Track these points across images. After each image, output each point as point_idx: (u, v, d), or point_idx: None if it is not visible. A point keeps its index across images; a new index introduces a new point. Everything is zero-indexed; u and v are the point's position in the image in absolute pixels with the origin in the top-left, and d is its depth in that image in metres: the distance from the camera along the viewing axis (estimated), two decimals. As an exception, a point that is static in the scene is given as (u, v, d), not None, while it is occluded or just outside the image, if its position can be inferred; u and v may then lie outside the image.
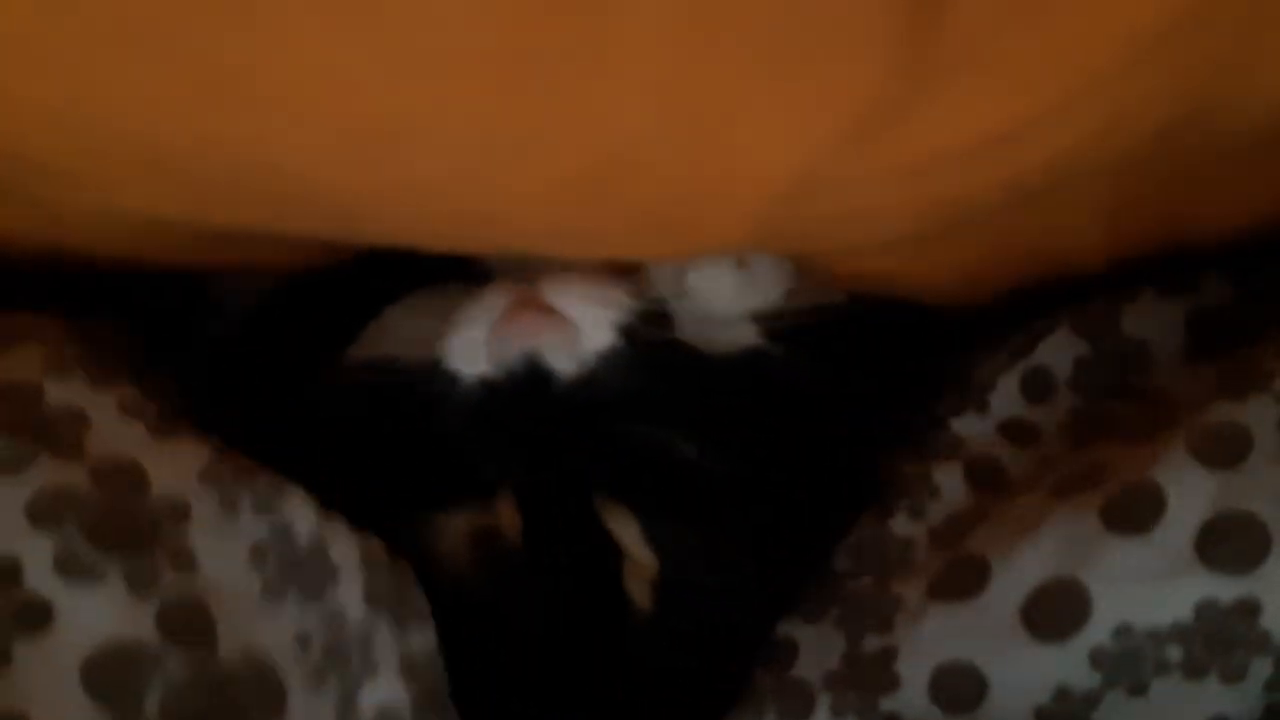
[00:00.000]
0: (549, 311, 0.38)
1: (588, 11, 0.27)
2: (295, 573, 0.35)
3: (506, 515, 0.39)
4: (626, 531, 0.38)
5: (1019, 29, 0.28)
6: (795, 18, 0.27)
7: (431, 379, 0.39)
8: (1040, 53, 0.29)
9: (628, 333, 0.38)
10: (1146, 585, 0.33)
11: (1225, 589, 0.32)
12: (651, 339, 0.38)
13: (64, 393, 0.35)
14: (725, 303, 0.41)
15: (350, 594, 0.36)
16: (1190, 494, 0.33)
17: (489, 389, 0.38)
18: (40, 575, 0.31)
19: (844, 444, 0.40)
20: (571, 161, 0.31)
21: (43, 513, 0.32)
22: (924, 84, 0.29)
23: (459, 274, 0.43)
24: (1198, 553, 0.32)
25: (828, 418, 0.40)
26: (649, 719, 0.38)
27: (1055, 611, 0.34)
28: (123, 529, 0.33)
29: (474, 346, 0.38)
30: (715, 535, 0.38)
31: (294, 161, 0.31)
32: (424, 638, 0.37)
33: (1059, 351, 0.39)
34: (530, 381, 0.38)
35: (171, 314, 0.44)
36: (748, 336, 0.41)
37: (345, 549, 0.36)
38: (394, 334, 0.41)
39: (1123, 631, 0.33)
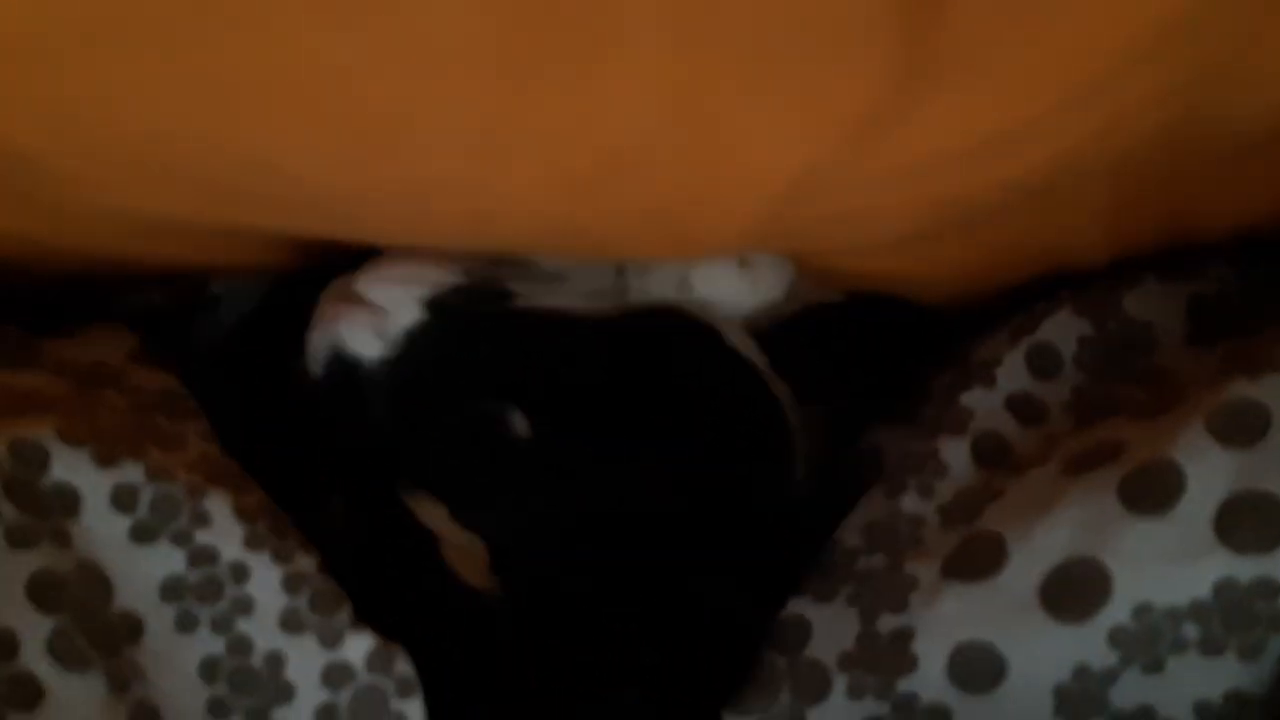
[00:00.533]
0: (352, 299, 0.38)
1: (588, 13, 0.27)
2: (246, 690, 0.36)
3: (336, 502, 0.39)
4: (432, 515, 0.38)
5: (1018, 31, 0.28)
6: (795, 19, 0.27)
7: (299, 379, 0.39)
8: (1039, 55, 0.29)
9: (436, 307, 0.38)
10: (1166, 565, 0.33)
11: (1244, 569, 0.32)
12: (464, 311, 0.38)
13: (66, 469, 0.35)
14: (727, 301, 0.41)
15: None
16: (1209, 473, 0.33)
17: (313, 385, 0.38)
18: (35, 656, 0.32)
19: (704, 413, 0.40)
20: (571, 161, 0.31)
21: (42, 595, 0.33)
22: (923, 85, 0.29)
23: None
24: (1217, 533, 0.32)
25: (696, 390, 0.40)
26: (530, 699, 0.38)
27: (1075, 591, 0.34)
28: (100, 629, 0.34)
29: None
30: (538, 508, 0.38)
31: (295, 160, 0.31)
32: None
33: (1062, 330, 0.39)
34: (340, 371, 0.38)
35: (171, 312, 0.44)
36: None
37: (305, 666, 0.36)
38: None
39: (1142, 610, 0.33)
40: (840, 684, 0.36)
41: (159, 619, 0.35)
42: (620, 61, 0.28)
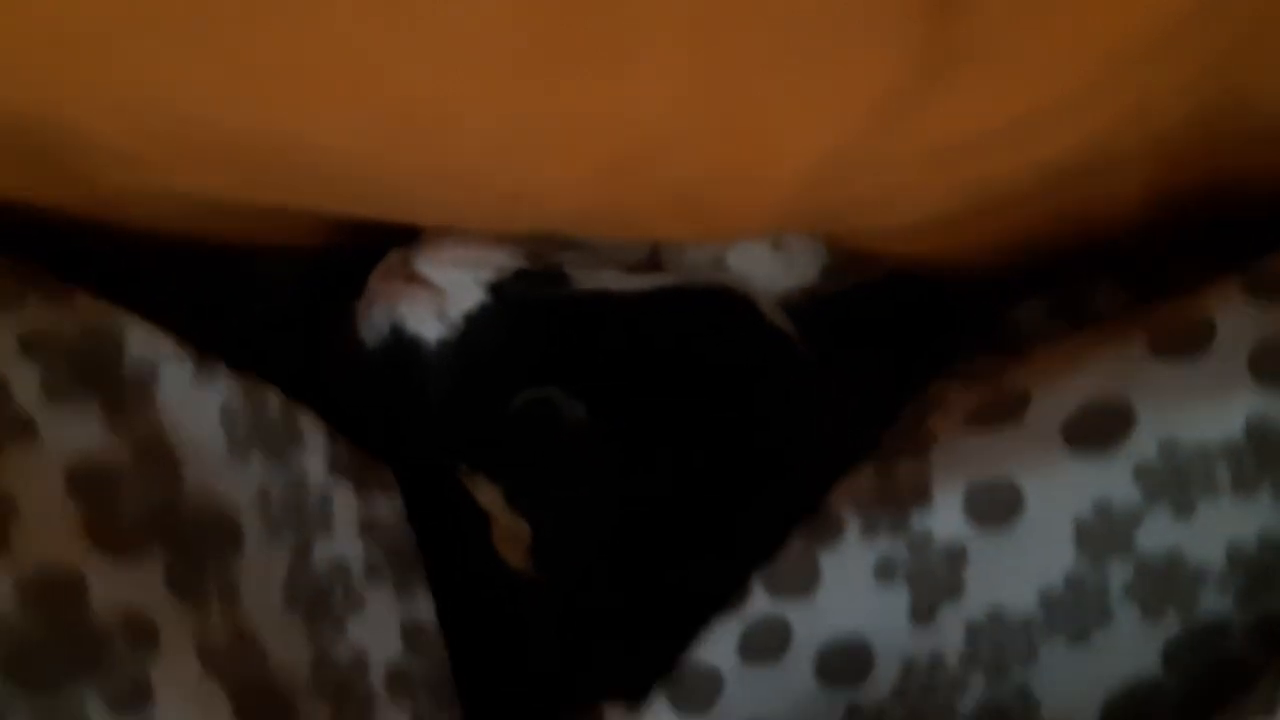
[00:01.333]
0: (413, 278, 0.38)
1: (616, 0, 0.27)
2: (261, 434, 0.36)
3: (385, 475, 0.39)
4: (490, 498, 0.38)
5: (1045, 12, 0.28)
6: (822, 1, 0.27)
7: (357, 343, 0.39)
8: (1068, 35, 0.29)
9: (497, 291, 0.38)
10: (1195, 401, 0.32)
11: (1277, 404, 0.31)
12: (524, 296, 0.38)
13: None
14: (762, 282, 0.41)
15: (314, 461, 0.37)
16: (1241, 322, 0.32)
17: (368, 360, 0.39)
18: (27, 394, 0.32)
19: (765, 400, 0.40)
20: (602, 147, 0.31)
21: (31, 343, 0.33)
22: (950, 67, 0.29)
23: None
24: (1251, 370, 0.32)
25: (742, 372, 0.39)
26: (554, 683, 0.38)
27: (1097, 425, 0.33)
28: (100, 369, 0.34)
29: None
30: (586, 495, 0.38)
31: (334, 145, 0.31)
32: (389, 505, 0.38)
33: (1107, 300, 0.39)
34: (399, 350, 0.38)
35: (215, 289, 0.45)
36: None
37: (312, 422, 0.37)
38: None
39: (1169, 447, 0.32)
40: (854, 525, 0.35)
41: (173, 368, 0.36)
42: (649, 46, 0.28)
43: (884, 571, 0.35)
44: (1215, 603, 0.32)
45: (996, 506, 0.34)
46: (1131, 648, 0.32)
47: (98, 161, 0.34)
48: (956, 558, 0.34)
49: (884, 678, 0.34)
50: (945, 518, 0.34)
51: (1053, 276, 0.41)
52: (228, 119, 0.30)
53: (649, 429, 0.38)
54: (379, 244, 0.42)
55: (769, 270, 0.41)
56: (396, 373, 0.38)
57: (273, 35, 0.28)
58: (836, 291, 0.43)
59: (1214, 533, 0.32)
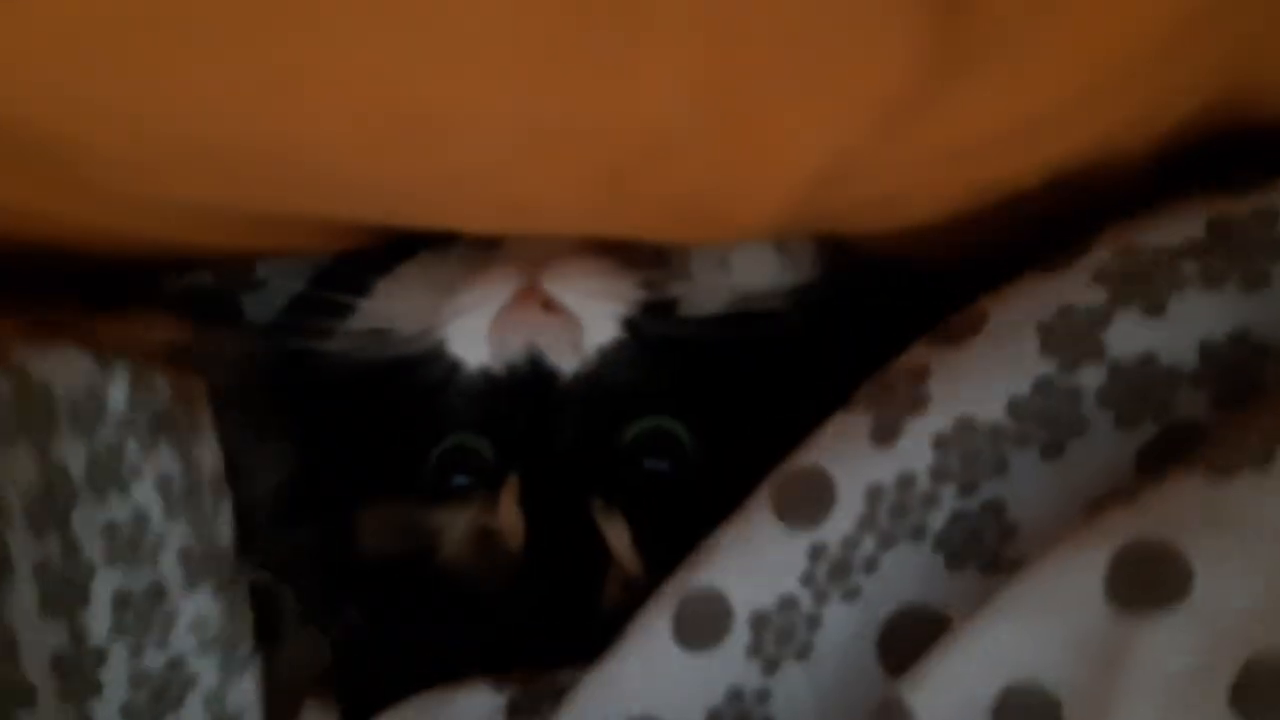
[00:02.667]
0: (550, 306, 0.37)
1: (621, 4, 0.27)
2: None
3: (507, 512, 0.38)
4: (619, 538, 0.37)
5: (1050, 14, 0.28)
6: (827, 3, 0.27)
7: (432, 361, 0.38)
8: (1073, 37, 0.29)
9: (631, 326, 0.37)
10: (1154, 216, 0.32)
11: (1239, 204, 0.31)
12: (655, 331, 0.37)
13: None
14: (766, 282, 0.41)
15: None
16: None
17: (490, 381, 0.37)
18: None
19: None
20: (606, 151, 0.31)
21: None
22: (956, 68, 0.29)
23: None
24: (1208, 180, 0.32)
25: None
26: None
27: (1055, 255, 0.33)
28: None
29: (476, 335, 0.37)
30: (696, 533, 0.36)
31: (337, 152, 0.31)
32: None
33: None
34: (532, 377, 0.37)
35: (219, 294, 0.45)
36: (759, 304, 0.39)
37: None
38: (394, 304, 0.40)
39: (1127, 248, 0.32)
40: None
41: None
42: (653, 48, 0.28)
43: (846, 406, 0.34)
44: (1189, 404, 0.31)
45: (958, 327, 0.33)
46: (1106, 456, 0.31)
47: (96, 168, 0.34)
48: (918, 374, 0.33)
49: (848, 511, 0.33)
50: (908, 353, 0.34)
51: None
52: (228, 125, 0.30)
53: (761, 465, 0.36)
54: (385, 248, 0.42)
55: (772, 271, 0.41)
56: (528, 407, 0.37)
57: (272, 41, 0.27)
58: (837, 290, 0.43)
59: (1185, 330, 0.31)
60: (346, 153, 0.31)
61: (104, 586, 0.35)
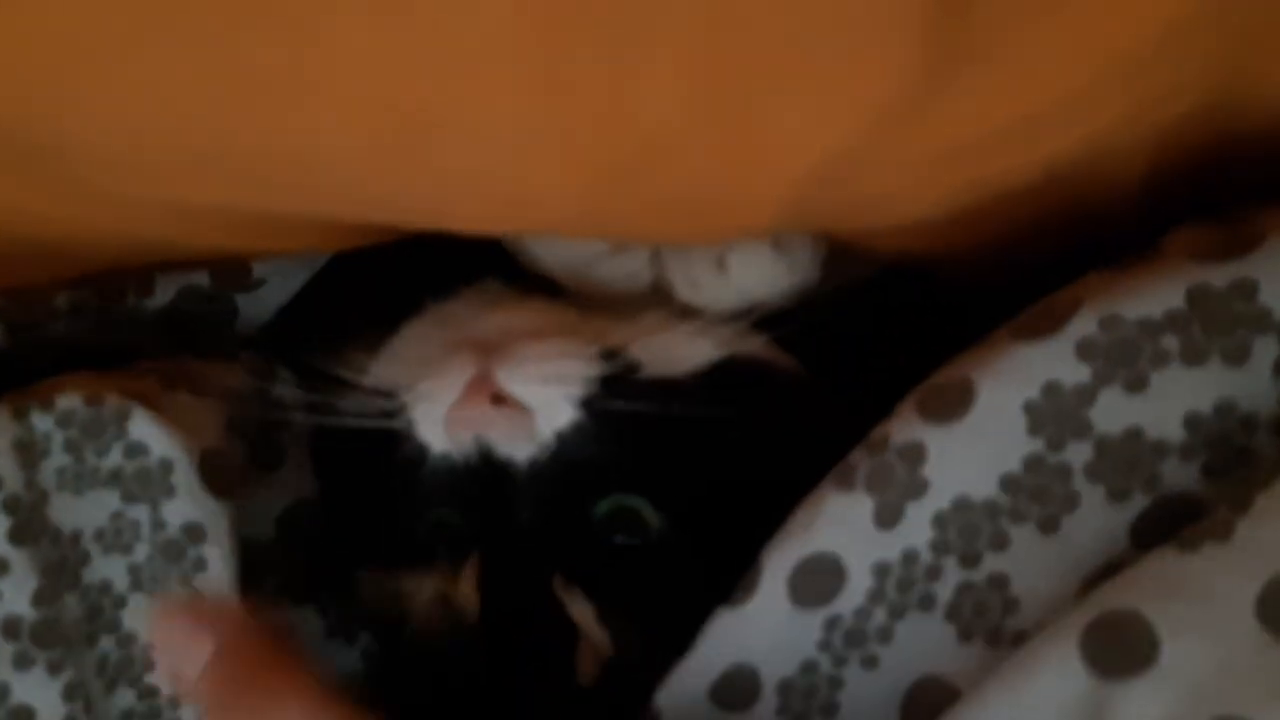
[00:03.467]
0: (501, 398, 0.36)
1: (618, 4, 0.27)
2: None
3: (465, 586, 0.38)
4: (583, 615, 0.37)
5: (1047, 14, 0.28)
6: (824, 4, 0.27)
7: (409, 437, 0.38)
8: (1068, 38, 0.29)
9: (588, 405, 0.37)
10: (1135, 280, 0.33)
11: (1219, 275, 0.32)
12: (615, 407, 0.37)
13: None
14: (762, 283, 0.41)
15: None
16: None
17: (452, 464, 0.38)
18: None
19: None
20: (604, 151, 0.31)
21: None
22: (952, 69, 0.29)
23: (493, 267, 0.43)
24: (1187, 253, 0.33)
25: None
26: None
27: (1041, 311, 0.34)
28: None
29: (434, 423, 0.37)
30: (669, 620, 0.37)
31: (333, 152, 0.31)
32: None
33: None
34: (488, 464, 0.37)
35: (215, 294, 0.45)
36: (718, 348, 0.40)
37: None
38: (401, 356, 0.40)
39: (1110, 322, 0.32)
40: None
41: None
42: (651, 48, 0.28)
43: (843, 480, 0.35)
44: (1179, 476, 0.32)
45: (949, 403, 0.34)
46: (1100, 530, 0.32)
47: (93, 170, 0.34)
48: (915, 456, 0.34)
49: (858, 588, 0.34)
50: (900, 421, 0.35)
51: (1049, 271, 0.41)
52: (225, 126, 0.30)
53: (727, 540, 0.37)
54: (382, 247, 0.42)
55: (769, 271, 0.41)
56: (485, 491, 0.37)
57: (269, 42, 0.27)
58: (836, 289, 0.43)
59: (1170, 405, 0.32)
60: (343, 153, 0.31)
61: None
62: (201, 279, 0.44)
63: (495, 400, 0.36)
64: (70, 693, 0.38)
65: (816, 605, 0.35)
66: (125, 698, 0.39)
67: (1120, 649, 0.29)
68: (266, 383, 0.43)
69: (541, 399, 0.37)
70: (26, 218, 0.37)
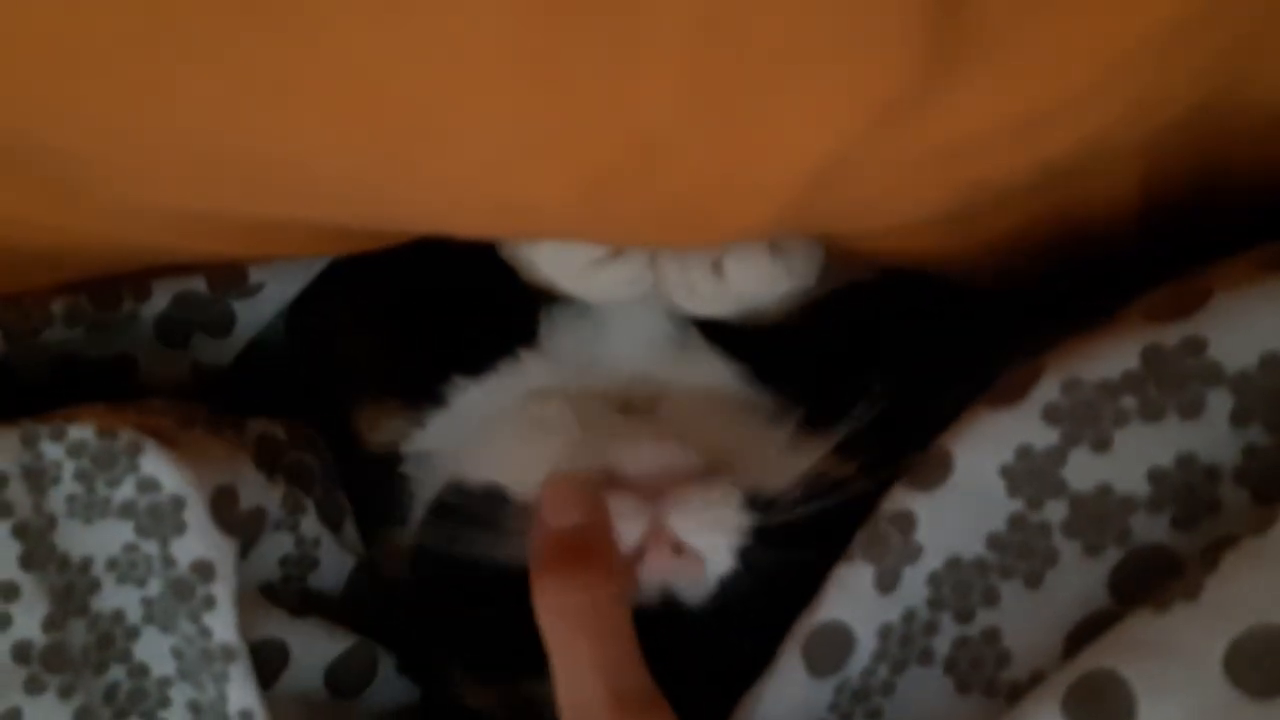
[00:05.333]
0: (678, 547, 0.38)
1: (615, 5, 0.27)
2: None
3: None
4: None
5: (1044, 15, 0.28)
6: (822, 4, 0.27)
7: None
8: (1066, 38, 0.29)
9: (745, 556, 0.39)
10: (1093, 345, 0.34)
11: (1169, 334, 0.33)
12: (766, 561, 0.39)
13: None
14: (760, 287, 0.41)
15: None
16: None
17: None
18: None
19: None
20: (601, 154, 0.31)
21: None
22: (951, 69, 0.29)
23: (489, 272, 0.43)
24: (1141, 314, 0.34)
25: None
26: None
27: (1005, 384, 0.35)
28: None
29: None
30: None
31: (329, 157, 0.31)
32: None
33: None
34: (663, 611, 0.39)
35: (212, 299, 0.45)
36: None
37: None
38: (501, 458, 0.42)
39: (1071, 386, 0.34)
40: None
41: None
42: (648, 49, 0.28)
43: (844, 554, 0.37)
44: (1148, 529, 0.33)
45: (931, 470, 0.36)
46: (1080, 584, 0.34)
47: (90, 178, 0.34)
48: (906, 524, 0.36)
49: (865, 650, 0.36)
50: (889, 492, 0.37)
51: (1046, 270, 0.41)
52: (221, 132, 0.30)
53: None
54: (380, 253, 0.42)
55: (766, 275, 0.41)
56: (657, 631, 0.38)
57: (261, 49, 0.27)
58: (834, 291, 0.43)
59: (1134, 462, 0.33)
60: (339, 158, 0.31)
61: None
62: (198, 284, 0.44)
63: (676, 549, 0.38)
64: (81, 718, 0.38)
65: (830, 674, 0.36)
66: None
67: (1100, 707, 0.30)
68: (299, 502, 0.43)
69: (710, 545, 0.39)
70: (22, 224, 0.37)
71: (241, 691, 0.38)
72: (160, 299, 0.43)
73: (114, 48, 0.28)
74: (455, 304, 0.45)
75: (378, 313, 0.47)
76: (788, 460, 0.41)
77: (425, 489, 0.44)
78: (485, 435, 0.43)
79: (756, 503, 0.39)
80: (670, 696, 0.36)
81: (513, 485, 0.41)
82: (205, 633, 0.38)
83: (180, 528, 0.38)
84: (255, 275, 0.45)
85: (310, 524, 0.43)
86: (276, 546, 0.42)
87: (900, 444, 0.38)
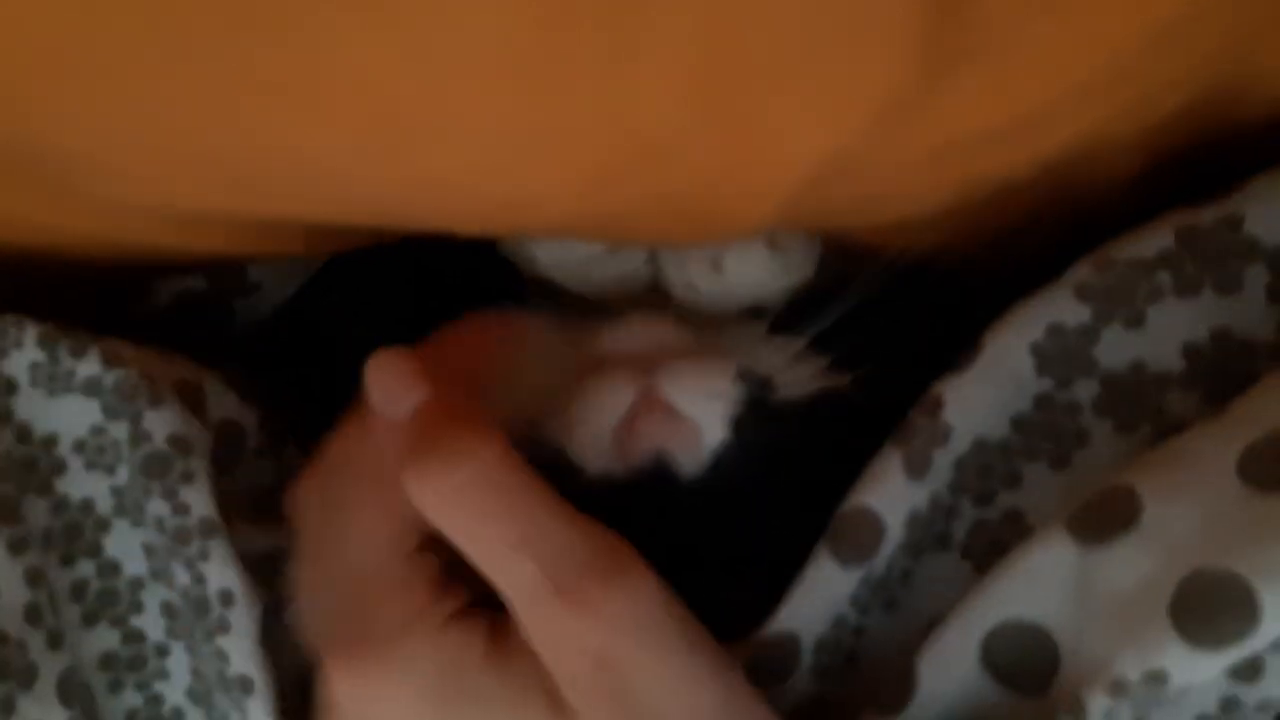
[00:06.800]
0: (672, 412, 0.37)
1: (614, 5, 0.27)
2: None
3: None
4: None
5: (1045, 11, 0.28)
6: (822, 3, 0.27)
7: (554, 462, 0.37)
8: (1065, 35, 0.29)
9: (737, 426, 0.37)
10: (1127, 233, 0.34)
11: (1205, 215, 0.33)
12: (760, 437, 0.37)
13: None
14: (759, 283, 0.41)
15: None
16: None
17: (613, 486, 0.37)
18: None
19: None
20: (599, 152, 0.31)
21: None
22: (951, 67, 0.29)
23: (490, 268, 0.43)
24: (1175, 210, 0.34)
25: None
26: None
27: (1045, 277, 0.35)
28: None
29: (598, 443, 0.37)
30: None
31: (326, 156, 0.31)
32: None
33: None
34: (656, 481, 0.37)
35: (211, 298, 0.45)
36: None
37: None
38: (523, 388, 0.39)
39: (1104, 264, 0.34)
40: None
41: None
42: (648, 48, 0.28)
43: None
44: (1181, 405, 0.33)
45: (963, 357, 0.36)
46: (1109, 462, 0.33)
47: (89, 178, 0.34)
48: (935, 405, 0.35)
49: (893, 540, 0.35)
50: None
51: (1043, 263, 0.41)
52: (218, 131, 0.30)
53: None
54: (376, 250, 0.42)
55: (765, 271, 0.41)
56: (651, 499, 0.37)
57: (264, 49, 0.27)
58: (834, 287, 0.43)
59: (1168, 337, 0.33)
60: (336, 157, 0.31)
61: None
62: (198, 284, 0.44)
63: (668, 414, 0.37)
64: (34, 579, 0.35)
65: (858, 564, 0.35)
66: (106, 638, 0.37)
67: (1104, 517, 0.30)
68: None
69: (704, 412, 0.37)
70: (22, 224, 0.37)
71: (221, 571, 0.36)
72: (160, 299, 0.43)
73: (113, 49, 0.28)
74: (453, 300, 0.45)
75: (375, 308, 0.47)
76: (775, 351, 0.40)
77: None
78: None
79: (749, 379, 0.38)
80: (660, 574, 0.34)
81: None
82: (182, 509, 0.36)
83: (155, 401, 0.36)
84: (255, 275, 0.45)
85: (296, 457, 0.40)
86: (258, 473, 0.40)
87: (872, 346, 0.38)
